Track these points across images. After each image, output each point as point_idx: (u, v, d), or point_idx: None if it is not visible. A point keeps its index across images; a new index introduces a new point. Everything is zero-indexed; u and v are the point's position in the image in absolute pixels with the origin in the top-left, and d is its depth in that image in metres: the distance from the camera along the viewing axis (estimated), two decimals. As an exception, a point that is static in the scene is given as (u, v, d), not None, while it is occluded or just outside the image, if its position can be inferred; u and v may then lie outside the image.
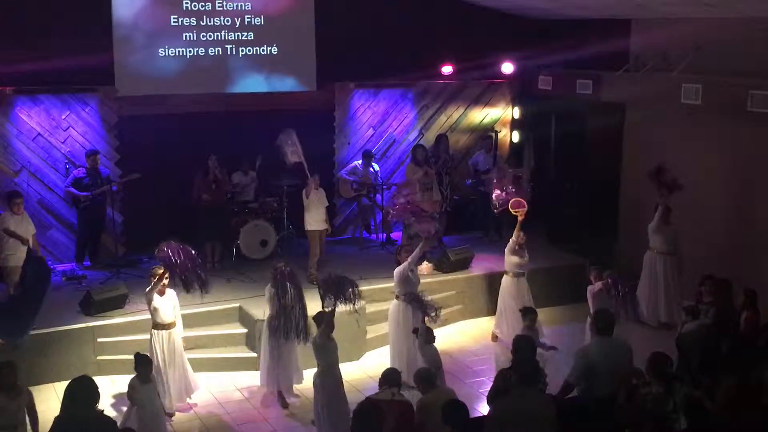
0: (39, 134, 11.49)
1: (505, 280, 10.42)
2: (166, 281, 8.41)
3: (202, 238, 11.48)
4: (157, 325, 8.50)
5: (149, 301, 8.48)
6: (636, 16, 12.47)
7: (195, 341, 9.79)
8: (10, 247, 9.77)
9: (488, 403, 6.76)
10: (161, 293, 8.47)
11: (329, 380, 7.91)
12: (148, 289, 8.47)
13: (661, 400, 6.17)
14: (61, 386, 8.88)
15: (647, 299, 10.76)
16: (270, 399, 8.99)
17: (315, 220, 11.06)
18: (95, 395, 5.87)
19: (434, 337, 8.42)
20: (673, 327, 10.32)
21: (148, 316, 8.73)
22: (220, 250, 11.70)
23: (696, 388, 6.66)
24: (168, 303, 8.52)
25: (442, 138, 12.92)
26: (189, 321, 9.91)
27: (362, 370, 9.81)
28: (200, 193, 11.38)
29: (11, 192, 10.07)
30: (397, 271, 9.40)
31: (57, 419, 5.74)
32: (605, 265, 10.00)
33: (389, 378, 6.83)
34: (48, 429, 5.78)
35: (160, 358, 8.40)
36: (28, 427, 7.00)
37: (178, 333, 8.67)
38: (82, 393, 5.75)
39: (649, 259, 10.84)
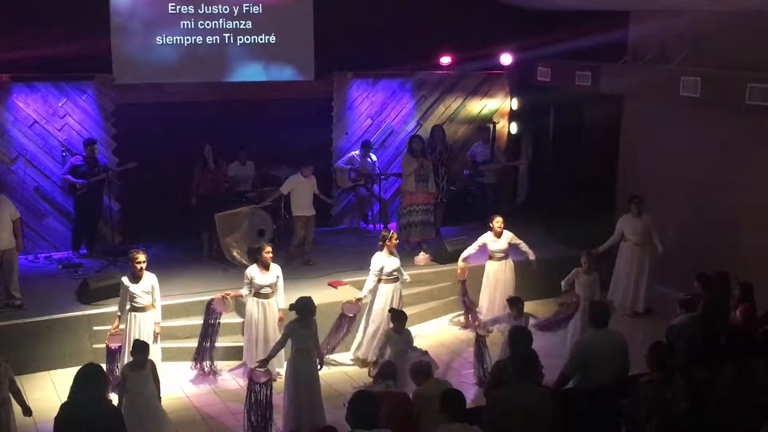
0: (35, 122, 11.45)
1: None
2: (142, 266, 8.46)
3: (199, 228, 11.48)
4: (132, 308, 8.56)
5: (122, 284, 8.57)
6: (635, 8, 12.43)
7: (191, 331, 9.76)
8: None
9: (485, 394, 6.76)
10: (136, 278, 8.50)
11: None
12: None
13: (660, 389, 6.18)
14: (56, 374, 8.96)
15: (623, 289, 11.16)
16: None
17: (298, 206, 11.25)
18: (104, 383, 5.87)
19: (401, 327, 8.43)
20: (646, 315, 11.02)
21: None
22: (217, 239, 11.66)
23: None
24: (139, 288, 8.51)
25: (436, 129, 12.75)
26: (185, 310, 9.93)
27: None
28: (200, 184, 11.32)
29: None
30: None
31: (64, 405, 5.71)
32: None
33: (383, 372, 6.98)
34: (54, 416, 5.72)
35: (126, 340, 8.43)
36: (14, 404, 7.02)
37: (150, 318, 8.60)
38: (91, 380, 5.73)
39: (623, 250, 11.13)
